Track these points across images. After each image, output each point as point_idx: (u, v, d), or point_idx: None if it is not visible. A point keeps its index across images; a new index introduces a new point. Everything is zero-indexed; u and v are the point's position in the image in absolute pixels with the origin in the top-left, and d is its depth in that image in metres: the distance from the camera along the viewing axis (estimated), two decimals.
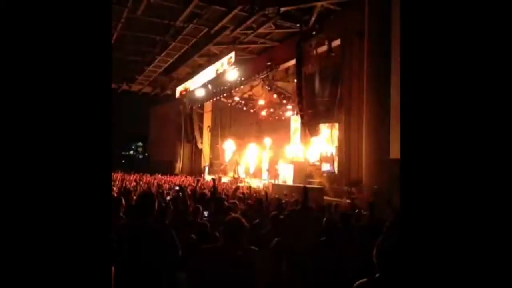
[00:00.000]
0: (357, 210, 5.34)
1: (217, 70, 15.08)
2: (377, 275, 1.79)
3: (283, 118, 18.13)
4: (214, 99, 17.45)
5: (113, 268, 2.36)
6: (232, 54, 13.86)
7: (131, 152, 34.05)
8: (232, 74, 14.68)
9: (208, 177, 17.93)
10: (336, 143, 11.77)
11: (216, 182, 7.56)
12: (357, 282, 1.83)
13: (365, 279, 1.84)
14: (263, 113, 17.93)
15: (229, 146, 19.40)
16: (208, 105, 19.85)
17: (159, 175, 15.03)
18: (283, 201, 5.97)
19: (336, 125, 11.69)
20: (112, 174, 15.45)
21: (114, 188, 6.88)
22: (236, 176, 16.43)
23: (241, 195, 7.03)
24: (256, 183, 14.17)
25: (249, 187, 10.57)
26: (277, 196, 7.98)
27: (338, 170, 11.22)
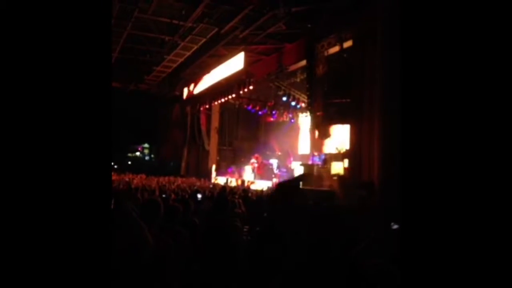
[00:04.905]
0: None
1: (225, 71, 14.96)
2: None
3: (292, 120, 18.01)
4: (222, 100, 17.32)
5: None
6: (242, 54, 13.73)
7: (137, 153, 34.07)
8: (241, 75, 14.56)
9: (217, 180, 17.82)
10: (347, 145, 11.58)
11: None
12: None
13: None
14: (272, 114, 17.82)
15: (237, 147, 19.28)
16: (216, 106, 19.69)
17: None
18: None
19: (347, 127, 11.51)
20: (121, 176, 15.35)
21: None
22: (243, 178, 16.31)
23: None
24: (265, 185, 14.02)
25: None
26: None
27: (349, 173, 11.02)
